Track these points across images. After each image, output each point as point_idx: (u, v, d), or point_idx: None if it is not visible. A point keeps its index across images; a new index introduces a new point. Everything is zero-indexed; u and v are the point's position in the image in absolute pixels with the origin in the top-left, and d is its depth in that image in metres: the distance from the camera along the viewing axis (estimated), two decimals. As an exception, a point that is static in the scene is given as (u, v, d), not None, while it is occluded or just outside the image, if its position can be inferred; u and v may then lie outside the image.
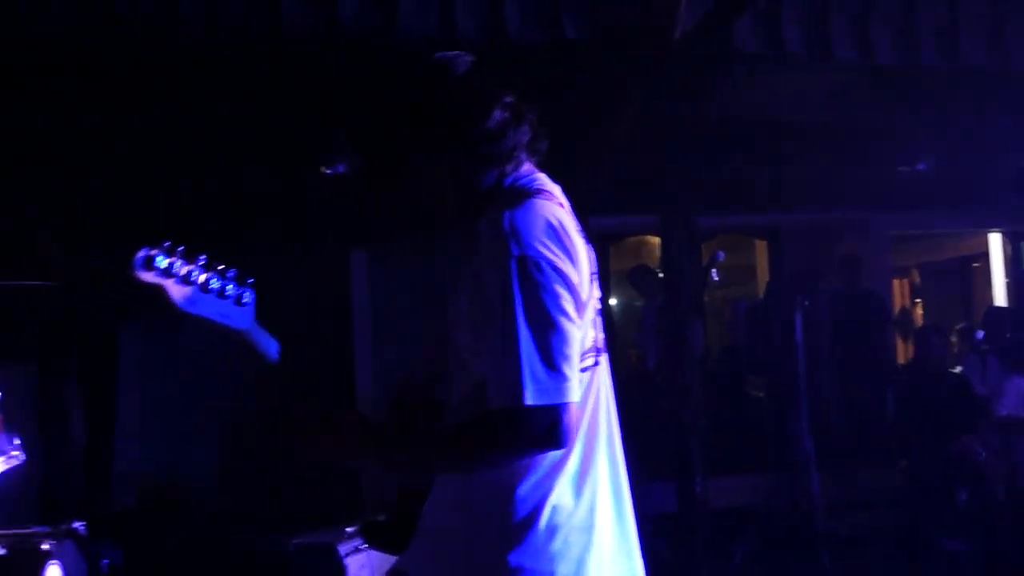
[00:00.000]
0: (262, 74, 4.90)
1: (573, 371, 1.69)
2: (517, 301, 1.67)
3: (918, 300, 11.10)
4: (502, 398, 1.67)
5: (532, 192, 1.80)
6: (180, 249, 1.69)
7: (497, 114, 1.80)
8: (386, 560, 3.99)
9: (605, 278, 7.53)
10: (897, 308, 10.30)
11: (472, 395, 1.78)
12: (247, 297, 1.79)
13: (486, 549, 1.74)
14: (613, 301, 8.86)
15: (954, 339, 7.90)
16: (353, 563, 3.74)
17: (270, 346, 1.83)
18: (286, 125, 5.20)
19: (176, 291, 1.68)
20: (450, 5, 4.52)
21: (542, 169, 1.90)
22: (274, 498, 5.60)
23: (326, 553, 3.63)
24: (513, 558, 1.71)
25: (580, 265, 1.74)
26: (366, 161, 1.92)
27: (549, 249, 1.69)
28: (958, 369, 6.40)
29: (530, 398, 1.65)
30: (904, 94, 5.55)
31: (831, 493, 4.75)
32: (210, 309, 1.73)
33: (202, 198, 5.56)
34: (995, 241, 8.80)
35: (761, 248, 8.51)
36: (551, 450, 1.71)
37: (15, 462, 2.73)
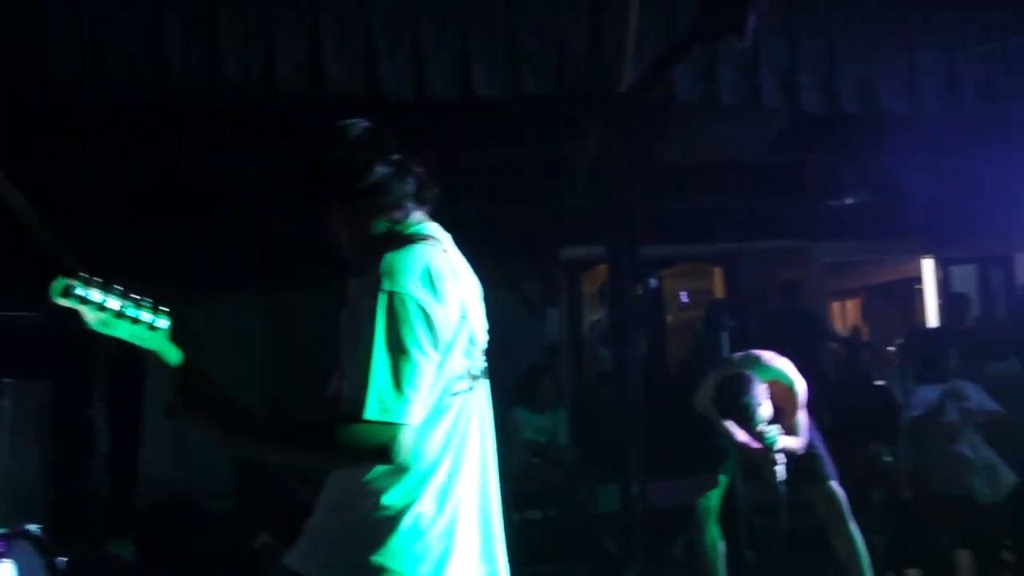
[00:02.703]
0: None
1: (418, 398, 1.89)
2: (380, 330, 1.88)
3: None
4: (347, 409, 1.87)
5: (417, 238, 2.03)
6: (96, 280, 1.91)
7: (380, 169, 2.03)
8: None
9: (578, 301, 8.28)
10: (845, 327, 11.08)
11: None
12: (161, 323, 1.98)
13: (353, 548, 1.94)
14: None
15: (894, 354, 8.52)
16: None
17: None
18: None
19: (90, 316, 1.91)
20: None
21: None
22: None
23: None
24: (376, 558, 1.91)
25: (451, 307, 1.95)
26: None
27: (419, 289, 1.91)
28: (882, 382, 7.01)
29: (368, 413, 1.85)
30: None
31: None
32: (123, 331, 1.95)
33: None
34: (927, 266, 9.63)
35: (718, 274, 9.31)
36: (385, 463, 1.89)
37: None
